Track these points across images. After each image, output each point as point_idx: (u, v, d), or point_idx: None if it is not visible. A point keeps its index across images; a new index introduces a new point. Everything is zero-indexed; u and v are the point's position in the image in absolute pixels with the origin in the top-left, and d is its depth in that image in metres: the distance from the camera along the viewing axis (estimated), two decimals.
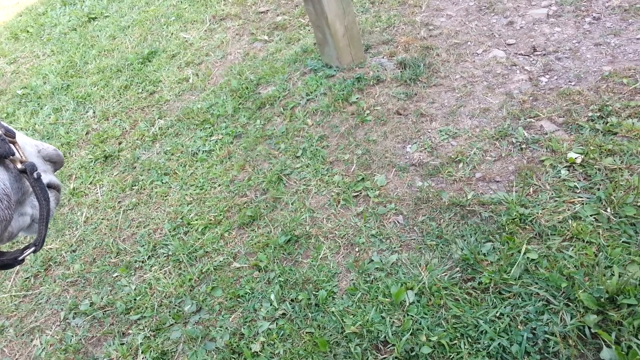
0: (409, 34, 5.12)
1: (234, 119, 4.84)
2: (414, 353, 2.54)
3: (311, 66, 5.07)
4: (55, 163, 1.68)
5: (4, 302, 3.77)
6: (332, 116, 4.38)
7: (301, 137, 4.30)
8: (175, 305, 3.28)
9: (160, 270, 3.59)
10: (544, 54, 4.27)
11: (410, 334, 2.62)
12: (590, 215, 2.85)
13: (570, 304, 2.49)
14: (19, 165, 1.33)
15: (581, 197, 2.98)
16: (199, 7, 7.44)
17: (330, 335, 2.76)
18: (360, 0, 6.06)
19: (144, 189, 4.45)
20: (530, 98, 3.84)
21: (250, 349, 2.82)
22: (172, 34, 6.99)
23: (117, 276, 3.67)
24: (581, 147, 3.26)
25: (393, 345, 2.61)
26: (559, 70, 4.04)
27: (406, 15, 5.47)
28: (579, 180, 3.09)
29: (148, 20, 7.63)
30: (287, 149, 4.20)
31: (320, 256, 3.24)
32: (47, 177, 1.59)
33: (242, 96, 5.11)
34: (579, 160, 3.17)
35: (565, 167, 3.19)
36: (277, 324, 2.92)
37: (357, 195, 3.59)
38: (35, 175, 1.36)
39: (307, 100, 4.69)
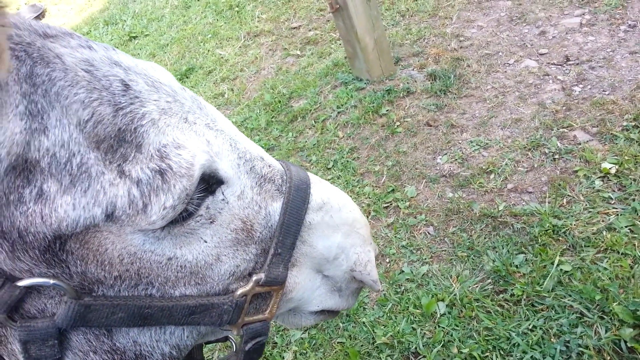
0: (439, 46, 5.15)
1: (267, 132, 4.96)
2: None
3: (342, 79, 5.15)
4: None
5: None
6: (362, 128, 4.44)
7: (332, 149, 4.37)
8: None
9: None
10: (577, 63, 4.22)
11: (442, 346, 2.63)
12: (626, 227, 2.80)
13: (605, 316, 2.46)
14: (235, 332, 1.12)
15: (616, 208, 2.93)
16: (234, 24, 7.66)
17: (361, 345, 2.79)
18: (391, 13, 6.12)
19: None
20: (564, 108, 3.81)
21: (283, 358, 2.88)
22: (208, 50, 7.22)
23: None
24: (616, 157, 3.21)
25: (424, 356, 2.62)
26: (592, 79, 3.99)
27: (437, 27, 5.50)
28: (614, 191, 3.04)
29: (186, 38, 7.90)
30: (319, 161, 4.28)
31: None
32: (331, 300, 1.32)
33: (275, 110, 5.23)
34: (613, 171, 3.13)
35: (599, 177, 3.15)
36: (309, 333, 2.98)
37: (388, 206, 3.62)
38: (249, 346, 1.14)
39: (338, 112, 4.76)
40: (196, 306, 0.99)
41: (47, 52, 0.82)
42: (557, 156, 3.42)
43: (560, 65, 4.30)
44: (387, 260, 3.22)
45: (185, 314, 0.98)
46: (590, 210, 2.99)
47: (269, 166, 1.14)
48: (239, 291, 1.05)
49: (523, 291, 2.70)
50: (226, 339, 1.26)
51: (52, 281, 0.83)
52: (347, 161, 4.14)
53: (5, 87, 0.76)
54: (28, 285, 0.83)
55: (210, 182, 0.96)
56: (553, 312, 2.58)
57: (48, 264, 0.84)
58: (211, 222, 0.98)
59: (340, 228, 1.24)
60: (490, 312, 2.70)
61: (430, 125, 4.17)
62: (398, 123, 4.30)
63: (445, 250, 3.14)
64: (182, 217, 0.92)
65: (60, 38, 0.88)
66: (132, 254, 0.90)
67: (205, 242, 0.98)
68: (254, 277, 1.07)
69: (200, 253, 0.98)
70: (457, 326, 2.70)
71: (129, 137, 0.85)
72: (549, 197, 3.17)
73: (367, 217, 3.58)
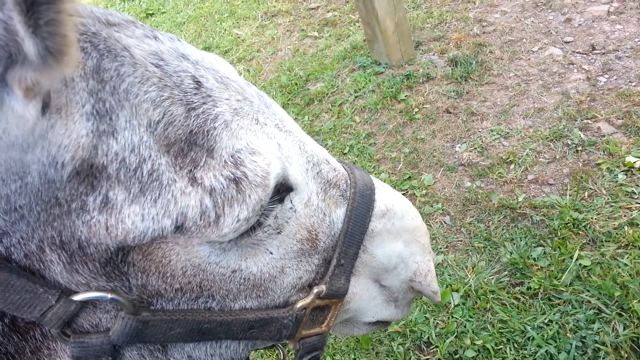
0: (461, 31, 5.03)
1: None
2: (457, 356, 2.53)
3: (360, 63, 5.07)
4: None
5: None
6: (380, 113, 4.38)
7: (349, 134, 4.32)
8: None
9: None
10: (604, 53, 4.10)
11: (455, 337, 2.61)
12: None
13: (624, 313, 2.41)
14: (291, 346, 1.08)
15: (639, 203, 2.87)
16: (251, 3, 7.56)
17: (373, 333, 2.78)
18: None
19: None
20: (588, 98, 3.71)
21: None
22: (225, 30, 7.15)
23: None
24: None
25: (436, 346, 2.60)
26: (619, 69, 3.87)
27: (459, 12, 5.37)
28: (637, 186, 2.97)
29: (203, 16, 7.83)
30: (335, 146, 4.23)
31: None
32: (387, 311, 1.25)
33: (291, 92, 5.18)
34: (637, 165, 3.05)
35: (622, 171, 3.07)
36: None
37: (404, 193, 3.57)
38: None
39: (356, 97, 4.70)
40: (255, 320, 0.94)
41: (114, 43, 0.75)
42: (579, 148, 3.34)
43: (585, 54, 4.19)
44: None
45: (244, 329, 0.94)
46: (612, 204, 2.92)
47: (334, 170, 1.06)
48: (299, 304, 1.00)
49: (540, 285, 2.66)
50: (273, 345, 1.20)
51: (110, 296, 0.78)
52: (364, 147, 4.09)
53: (71, 84, 0.69)
54: (84, 299, 0.78)
55: (280, 190, 0.89)
56: (570, 307, 2.54)
57: (108, 277, 0.78)
58: (278, 232, 0.92)
59: (402, 236, 1.17)
60: (506, 305, 2.66)
61: (450, 113, 4.09)
62: (417, 109, 4.23)
63: (461, 241, 3.10)
64: (251, 228, 0.85)
65: (124, 27, 0.81)
66: (196, 266, 0.84)
67: (271, 253, 0.92)
68: (315, 290, 1.02)
69: (266, 265, 0.92)
70: (471, 317, 2.67)
71: (200, 141, 0.78)
72: (570, 189, 3.11)
73: None
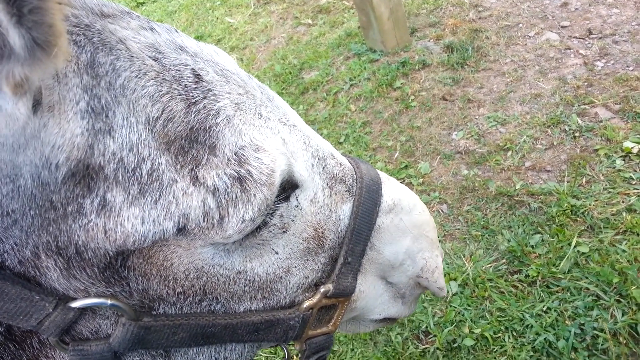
0: (457, 16, 4.98)
1: None
2: (456, 345, 2.52)
3: (355, 50, 5.01)
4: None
5: None
6: (375, 102, 4.33)
7: (344, 122, 4.28)
8: None
9: None
10: (600, 37, 4.06)
11: (453, 326, 2.60)
12: None
13: (622, 300, 2.40)
14: (297, 347, 1.06)
15: (637, 189, 2.85)
16: None
17: None
18: None
19: None
20: (585, 84, 3.68)
21: None
22: (217, 18, 7.06)
23: None
24: (638, 135, 3.10)
25: (434, 335, 2.59)
26: (616, 54, 3.84)
27: None
28: (635, 171, 2.95)
29: (194, 4, 7.73)
30: (330, 135, 4.20)
31: None
32: (394, 308, 1.22)
33: (285, 81, 5.12)
34: (635, 150, 3.03)
35: (620, 156, 3.05)
36: None
37: (400, 182, 3.54)
38: None
39: (351, 85, 4.65)
40: (261, 322, 0.92)
41: (108, 35, 0.71)
42: (577, 134, 3.32)
43: (582, 38, 4.15)
44: None
45: (249, 331, 0.91)
46: (610, 190, 2.90)
47: (340, 164, 1.03)
48: (305, 304, 0.98)
49: (538, 272, 2.65)
50: (278, 343, 1.18)
51: (109, 302, 0.75)
52: (359, 136, 4.05)
53: (64, 80, 0.65)
54: (83, 306, 0.75)
55: (285, 187, 0.86)
56: (568, 294, 2.53)
57: (107, 282, 0.75)
58: (284, 231, 0.89)
59: (410, 231, 1.14)
60: (504, 293, 2.65)
61: (446, 100, 4.05)
62: (412, 97, 4.19)
63: (458, 229, 3.08)
64: (256, 228, 0.82)
65: (119, 18, 0.77)
66: (199, 269, 0.81)
67: (277, 253, 0.90)
68: (322, 289, 0.99)
69: (271, 266, 0.90)
70: (469, 306, 2.66)
71: (201, 137, 0.74)
72: (568, 176, 3.09)
73: None
